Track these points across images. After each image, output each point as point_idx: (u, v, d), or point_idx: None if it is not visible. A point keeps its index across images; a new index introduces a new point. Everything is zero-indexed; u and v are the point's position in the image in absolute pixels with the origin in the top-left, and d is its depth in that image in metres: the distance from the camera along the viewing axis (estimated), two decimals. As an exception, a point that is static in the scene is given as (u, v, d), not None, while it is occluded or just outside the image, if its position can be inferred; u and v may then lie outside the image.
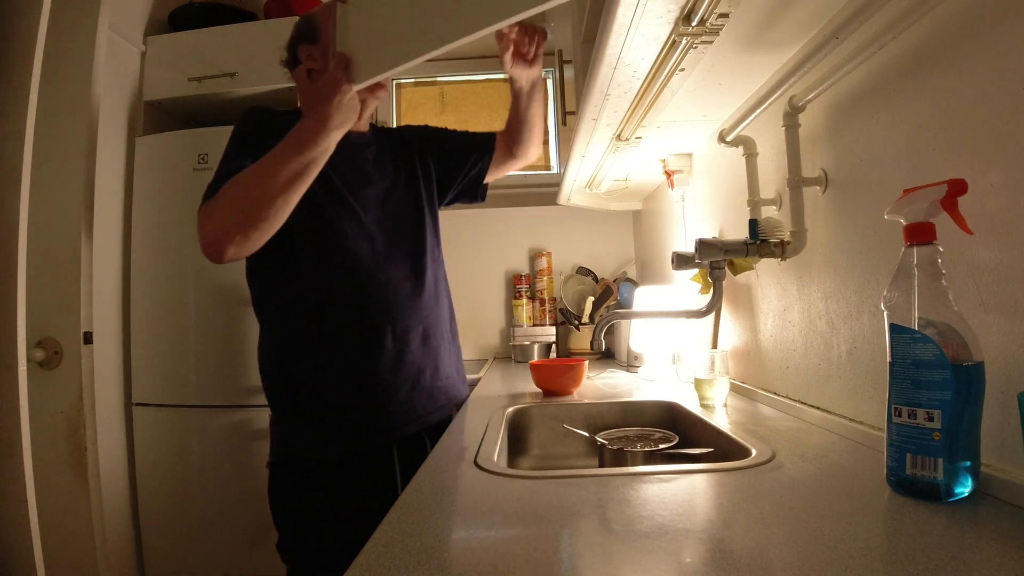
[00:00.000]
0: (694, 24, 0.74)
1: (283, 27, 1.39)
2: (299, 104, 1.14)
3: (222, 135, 1.79)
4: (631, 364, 1.72)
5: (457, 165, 1.26)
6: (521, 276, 2.30)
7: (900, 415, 0.53)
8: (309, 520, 0.99)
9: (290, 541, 1.01)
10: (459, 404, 1.19)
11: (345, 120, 0.89)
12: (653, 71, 0.92)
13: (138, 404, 1.76)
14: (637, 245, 2.33)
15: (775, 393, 1.04)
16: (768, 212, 1.03)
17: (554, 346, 2.18)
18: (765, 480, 0.62)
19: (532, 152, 1.29)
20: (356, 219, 1.06)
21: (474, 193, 1.31)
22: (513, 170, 1.34)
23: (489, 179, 1.31)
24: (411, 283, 1.09)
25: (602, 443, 0.99)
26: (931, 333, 0.51)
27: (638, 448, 0.95)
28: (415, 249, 1.13)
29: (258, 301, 1.08)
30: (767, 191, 1.04)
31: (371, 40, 0.89)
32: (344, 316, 1.03)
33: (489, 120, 2.57)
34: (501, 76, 2.58)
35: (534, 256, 2.37)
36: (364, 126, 1.16)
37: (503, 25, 0.75)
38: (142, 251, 1.78)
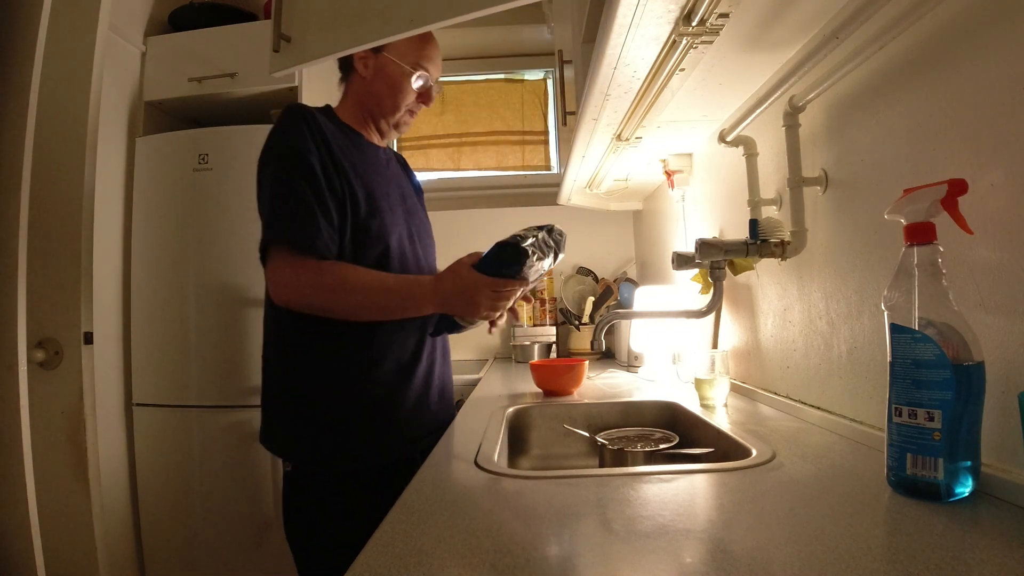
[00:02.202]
0: (694, 24, 0.74)
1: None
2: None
3: (222, 135, 1.77)
4: (631, 364, 1.72)
5: None
6: (521, 276, 2.29)
7: (900, 415, 0.53)
8: (328, 527, 0.95)
9: (308, 544, 0.98)
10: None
11: (458, 313, 0.97)
12: (653, 71, 0.92)
13: (138, 404, 1.77)
14: (637, 245, 2.33)
15: (775, 393, 1.04)
16: (768, 212, 1.03)
17: (554, 346, 2.18)
18: (765, 480, 0.62)
19: None
20: (400, 229, 1.07)
21: None
22: None
23: None
24: None
25: (602, 443, 0.98)
26: (931, 333, 0.51)
27: (638, 448, 0.94)
28: (431, 262, 1.18)
29: (281, 311, 0.98)
30: (767, 191, 1.04)
31: (326, 15, 0.86)
32: (389, 328, 1.01)
33: (489, 120, 2.57)
34: (501, 76, 2.58)
35: (534, 256, 2.37)
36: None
37: (481, 15, 0.74)
38: (142, 251, 1.78)
